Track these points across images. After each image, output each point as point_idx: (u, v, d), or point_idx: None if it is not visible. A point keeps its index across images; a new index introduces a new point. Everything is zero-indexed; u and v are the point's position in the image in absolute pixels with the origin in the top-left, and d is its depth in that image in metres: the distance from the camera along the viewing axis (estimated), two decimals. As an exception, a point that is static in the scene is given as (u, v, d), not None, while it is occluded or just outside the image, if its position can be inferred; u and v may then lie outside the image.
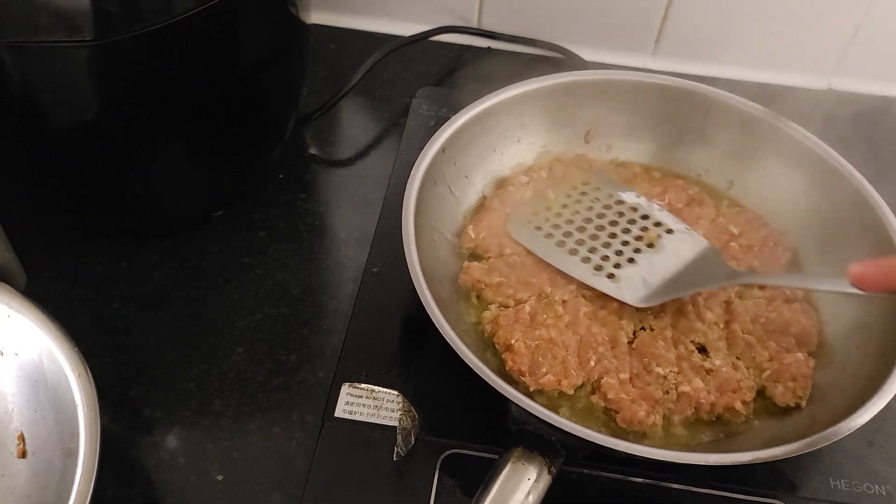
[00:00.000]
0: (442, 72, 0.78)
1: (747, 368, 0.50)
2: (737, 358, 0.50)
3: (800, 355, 0.49)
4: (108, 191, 0.56)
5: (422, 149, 0.55)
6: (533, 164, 0.62)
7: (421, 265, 0.48)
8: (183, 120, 0.55)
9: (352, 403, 0.48)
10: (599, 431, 0.46)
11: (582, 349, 0.49)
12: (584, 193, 0.58)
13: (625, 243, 0.54)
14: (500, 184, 0.61)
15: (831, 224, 0.55)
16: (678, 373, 0.48)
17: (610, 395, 0.46)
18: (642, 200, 0.57)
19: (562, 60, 0.79)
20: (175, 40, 0.48)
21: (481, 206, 0.59)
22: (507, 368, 0.48)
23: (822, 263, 0.55)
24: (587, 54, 0.79)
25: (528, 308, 0.51)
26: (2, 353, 0.48)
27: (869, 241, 0.52)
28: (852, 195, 0.54)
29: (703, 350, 0.51)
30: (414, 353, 0.50)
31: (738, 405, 0.47)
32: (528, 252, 0.54)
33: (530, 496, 0.37)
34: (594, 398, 0.47)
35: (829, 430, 0.41)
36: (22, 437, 0.48)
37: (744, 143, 0.60)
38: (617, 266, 0.53)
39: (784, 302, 0.53)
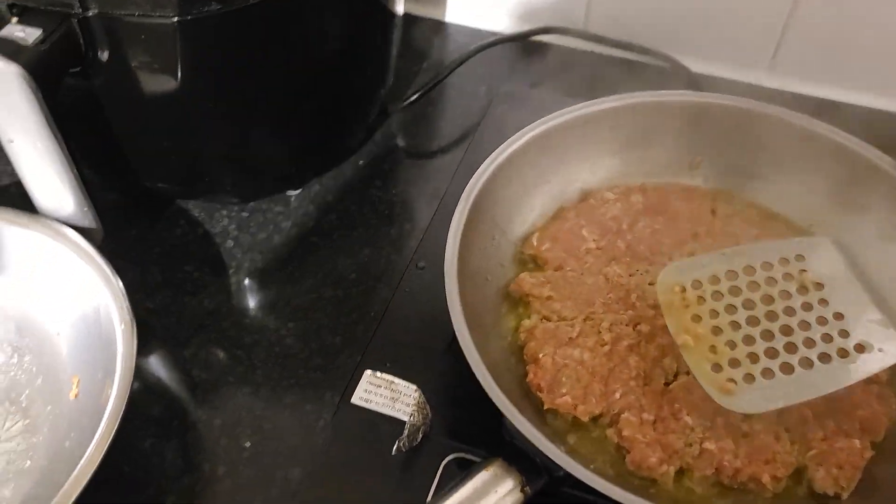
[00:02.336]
0: (538, 72, 0.77)
1: (792, 443, 0.45)
2: (785, 429, 0.45)
3: (856, 442, 0.44)
4: (194, 160, 0.60)
5: (493, 148, 0.54)
6: (625, 182, 0.58)
7: (467, 262, 0.47)
8: (267, 98, 0.57)
9: (370, 391, 0.48)
10: (604, 467, 0.44)
11: (611, 379, 0.46)
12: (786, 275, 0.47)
13: (789, 349, 0.44)
14: (585, 196, 0.58)
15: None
16: (709, 427, 0.44)
17: (625, 433, 0.44)
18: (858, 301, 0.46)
19: (667, 70, 0.76)
20: (258, 21, 0.50)
21: (557, 215, 0.57)
22: (527, 380, 0.46)
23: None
24: (696, 66, 0.75)
25: (568, 327, 0.49)
26: (68, 300, 0.52)
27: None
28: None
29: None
30: (441, 352, 0.50)
31: (766, 478, 0.42)
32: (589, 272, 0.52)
33: (493, 508, 0.36)
34: (609, 431, 0.45)
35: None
36: (77, 380, 0.52)
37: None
38: (749, 380, 0.43)
39: (862, 381, 0.46)
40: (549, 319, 0.50)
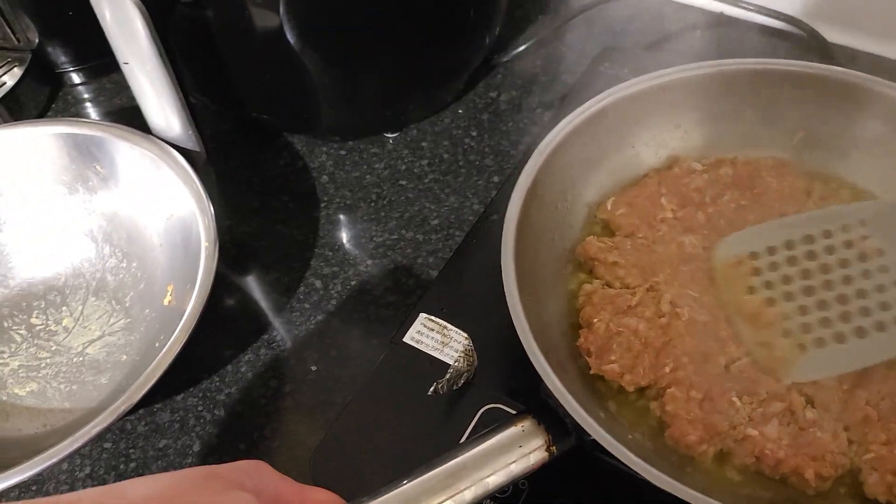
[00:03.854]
0: (657, 33, 0.74)
1: (850, 443, 0.42)
2: (844, 428, 0.42)
3: None
4: (299, 95, 0.62)
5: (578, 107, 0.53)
6: (716, 154, 0.55)
7: (534, 220, 0.47)
8: (373, 38, 0.59)
9: (422, 333, 0.49)
10: (643, 439, 0.43)
11: (664, 353, 0.45)
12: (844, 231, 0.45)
13: (844, 318, 0.43)
14: (671, 163, 0.56)
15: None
16: (758, 411, 0.42)
17: (668, 407, 0.43)
18: None
19: (800, 39, 0.70)
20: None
21: (638, 181, 0.55)
22: (577, 343, 0.46)
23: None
24: (832, 35, 0.69)
25: (630, 295, 0.48)
26: (167, 214, 0.57)
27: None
28: None
29: (810, 402, 0.44)
30: (497, 305, 0.50)
31: (810, 474, 0.40)
32: (662, 241, 0.51)
33: (514, 464, 0.37)
34: (653, 404, 0.44)
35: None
36: (171, 289, 0.57)
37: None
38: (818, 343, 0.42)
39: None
40: (610, 286, 0.49)
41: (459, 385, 0.46)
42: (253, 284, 0.60)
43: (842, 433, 0.42)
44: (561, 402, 0.37)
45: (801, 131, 0.53)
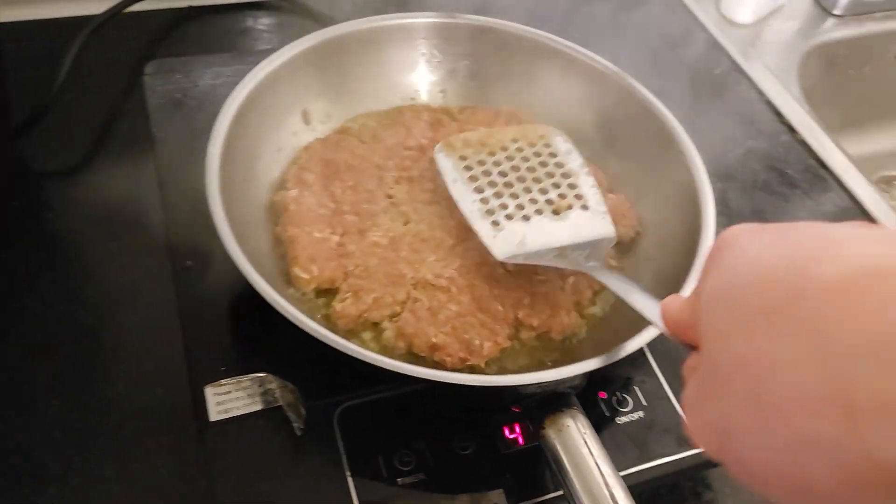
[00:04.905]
0: (156, 43, 0.72)
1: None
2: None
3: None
4: None
5: (187, 131, 0.51)
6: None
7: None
8: None
9: (223, 402, 0.45)
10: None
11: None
12: (531, 144, 0.55)
13: (532, 201, 0.52)
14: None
15: (616, 125, 0.60)
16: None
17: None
18: (578, 163, 0.54)
19: (286, 7, 0.77)
20: None
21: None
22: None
23: (616, 157, 0.60)
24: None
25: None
26: None
27: (650, 134, 0.57)
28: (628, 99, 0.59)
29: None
30: (258, 329, 0.48)
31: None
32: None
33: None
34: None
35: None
36: None
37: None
38: (508, 217, 0.50)
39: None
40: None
41: (304, 413, 0.44)
42: None
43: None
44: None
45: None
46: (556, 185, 0.53)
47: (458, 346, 0.47)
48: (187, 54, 0.69)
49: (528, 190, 0.52)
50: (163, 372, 0.50)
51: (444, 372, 0.42)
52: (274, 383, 0.45)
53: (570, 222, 0.51)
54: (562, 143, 0.56)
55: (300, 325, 0.40)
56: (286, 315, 0.40)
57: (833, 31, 0.85)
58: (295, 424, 0.43)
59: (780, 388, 0.23)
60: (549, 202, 0.52)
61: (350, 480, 0.43)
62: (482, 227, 0.50)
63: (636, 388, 0.49)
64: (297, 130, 0.58)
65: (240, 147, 0.50)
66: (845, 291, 0.23)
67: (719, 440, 0.26)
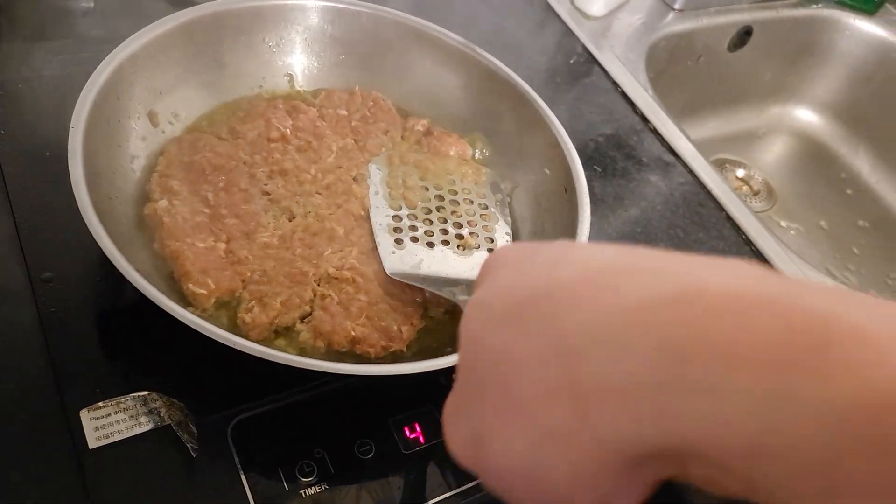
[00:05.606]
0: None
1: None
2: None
3: None
4: None
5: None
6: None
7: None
8: None
9: (103, 427, 0.41)
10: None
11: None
12: (463, 179, 0.56)
13: (443, 231, 0.52)
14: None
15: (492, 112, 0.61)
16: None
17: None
18: (503, 217, 0.55)
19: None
20: None
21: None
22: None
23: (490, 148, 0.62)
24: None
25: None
26: None
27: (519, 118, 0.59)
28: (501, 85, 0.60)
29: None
30: (135, 345, 0.45)
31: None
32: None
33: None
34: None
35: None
36: None
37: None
38: (414, 240, 0.51)
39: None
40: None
41: (195, 430, 0.41)
42: None
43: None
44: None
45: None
46: (472, 224, 0.54)
47: (377, 335, 0.46)
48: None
49: (443, 220, 0.53)
50: (25, 396, 0.46)
51: (404, 365, 0.41)
52: (159, 401, 0.42)
53: (472, 261, 0.51)
54: (495, 189, 0.57)
55: (229, 344, 0.38)
56: (203, 331, 0.38)
57: (674, 25, 0.90)
58: (189, 445, 0.40)
59: (525, 383, 0.24)
60: (458, 236, 0.52)
61: (250, 497, 0.41)
62: (384, 241, 0.50)
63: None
64: (145, 135, 0.53)
65: (96, 164, 0.45)
66: (579, 286, 0.24)
67: (474, 448, 0.26)
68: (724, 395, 0.20)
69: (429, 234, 0.52)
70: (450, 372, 0.45)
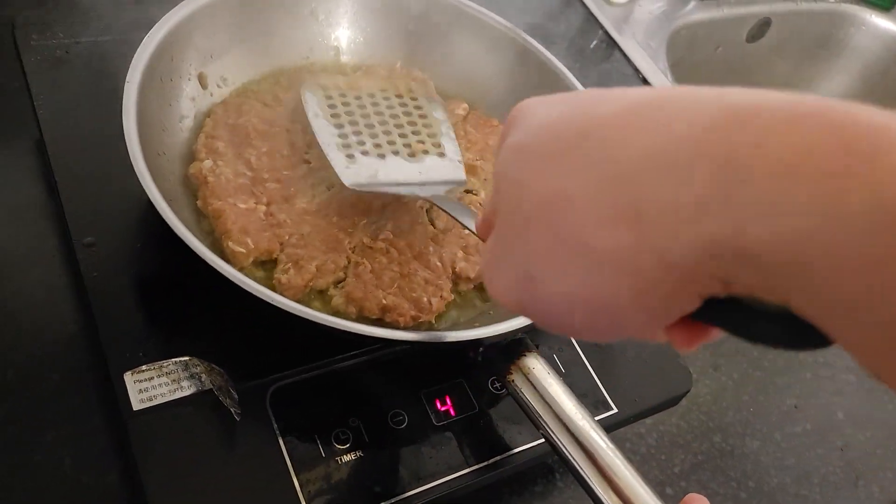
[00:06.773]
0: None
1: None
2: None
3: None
4: None
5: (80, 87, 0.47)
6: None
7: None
8: None
9: (146, 389, 0.42)
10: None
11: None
12: (398, 96, 0.56)
13: (390, 143, 0.52)
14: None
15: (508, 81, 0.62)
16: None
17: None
18: (442, 117, 0.56)
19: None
20: None
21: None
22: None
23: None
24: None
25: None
26: None
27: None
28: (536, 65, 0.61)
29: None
30: (176, 310, 0.46)
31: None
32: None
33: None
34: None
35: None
36: None
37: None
38: (364, 153, 0.51)
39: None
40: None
41: (236, 395, 0.42)
42: None
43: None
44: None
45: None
46: (416, 133, 0.54)
47: (408, 305, 0.47)
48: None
49: (387, 132, 0.53)
50: (57, 358, 0.47)
51: (433, 333, 0.43)
52: (200, 366, 0.43)
53: (425, 165, 0.52)
54: (430, 98, 0.57)
55: (266, 299, 0.39)
56: (243, 286, 0.39)
57: (694, 13, 0.91)
58: (232, 409, 0.41)
59: (577, 217, 0.25)
60: (406, 145, 0.53)
61: (288, 462, 0.42)
62: (336, 157, 0.50)
63: (555, 357, 0.51)
64: (195, 96, 0.54)
65: (147, 120, 0.46)
66: (624, 120, 0.25)
67: (524, 288, 0.27)
68: (780, 206, 0.20)
69: (377, 146, 0.52)
70: (478, 346, 0.47)
